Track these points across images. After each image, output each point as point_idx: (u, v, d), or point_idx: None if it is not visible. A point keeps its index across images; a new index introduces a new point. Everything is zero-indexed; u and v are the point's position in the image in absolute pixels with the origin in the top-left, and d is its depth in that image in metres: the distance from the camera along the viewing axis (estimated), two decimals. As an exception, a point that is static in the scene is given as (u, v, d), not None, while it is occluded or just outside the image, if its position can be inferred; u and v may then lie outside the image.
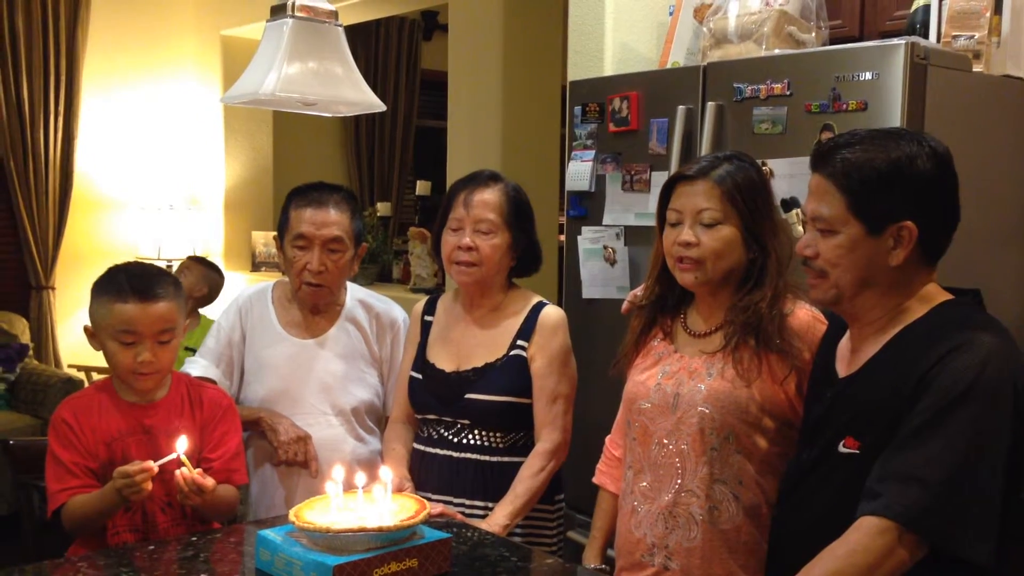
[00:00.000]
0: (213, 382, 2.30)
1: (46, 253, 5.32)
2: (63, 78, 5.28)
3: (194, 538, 1.90)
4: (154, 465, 1.84)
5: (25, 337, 5.06)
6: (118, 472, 1.85)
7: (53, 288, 5.34)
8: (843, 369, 1.63)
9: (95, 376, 4.86)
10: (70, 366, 5.25)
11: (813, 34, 2.50)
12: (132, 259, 5.30)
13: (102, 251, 5.44)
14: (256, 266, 5.72)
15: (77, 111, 5.35)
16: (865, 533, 1.43)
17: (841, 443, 1.54)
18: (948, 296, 1.57)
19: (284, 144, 6.11)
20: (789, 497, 1.66)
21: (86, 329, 2.06)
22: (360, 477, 1.74)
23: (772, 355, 1.75)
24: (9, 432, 4.30)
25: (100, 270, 2.08)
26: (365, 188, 6.87)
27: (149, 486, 1.85)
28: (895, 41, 2.11)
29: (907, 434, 1.44)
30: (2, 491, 4.32)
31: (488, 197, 2.17)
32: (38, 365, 5.02)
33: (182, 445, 1.86)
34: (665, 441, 1.81)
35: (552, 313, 2.22)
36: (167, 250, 5.43)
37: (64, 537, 2.03)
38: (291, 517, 1.67)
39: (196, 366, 2.35)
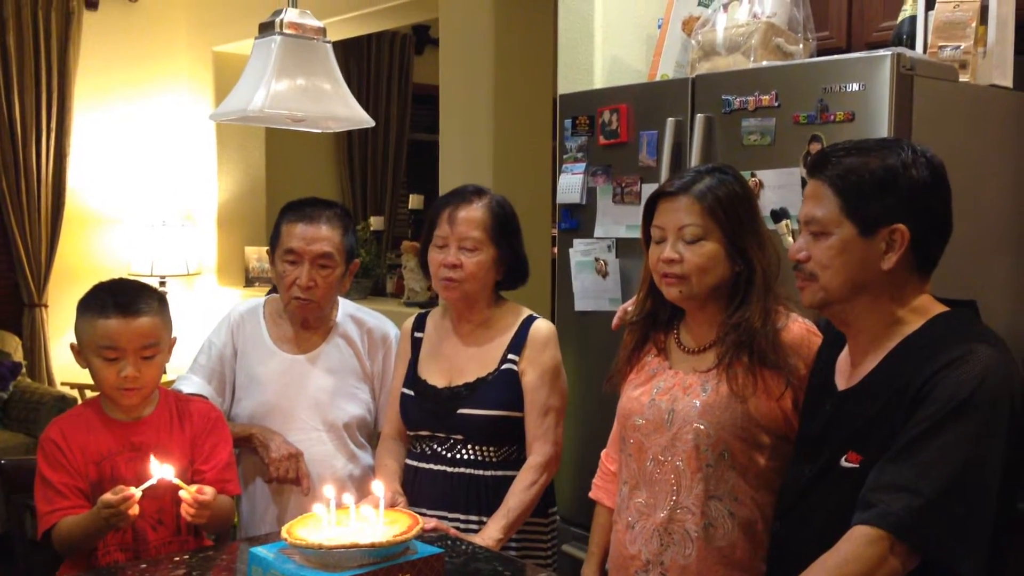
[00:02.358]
0: (206, 399, 2.30)
1: (38, 270, 5.31)
2: (55, 95, 5.28)
3: (186, 556, 1.89)
4: (136, 492, 1.83)
5: (18, 355, 5.05)
6: (101, 502, 1.83)
7: (46, 306, 5.33)
8: (842, 383, 1.63)
9: (88, 394, 4.84)
10: (63, 384, 5.23)
11: (800, 46, 2.51)
12: (125, 275, 5.31)
13: (95, 268, 5.42)
14: (249, 281, 5.72)
15: (69, 128, 5.35)
16: (857, 543, 1.43)
17: (843, 458, 1.54)
18: (944, 308, 1.57)
19: (277, 159, 6.12)
20: (790, 512, 1.66)
21: (72, 347, 2.07)
22: (351, 494, 1.74)
23: (767, 371, 1.74)
24: (1, 451, 4.29)
25: (92, 287, 2.09)
26: (358, 202, 6.87)
27: (135, 511, 1.84)
28: (882, 52, 2.12)
29: (902, 445, 1.43)
30: (-5, 510, 4.31)
31: (472, 214, 2.18)
32: (31, 383, 5.00)
33: (168, 472, 1.85)
34: (660, 457, 1.80)
35: (542, 327, 2.23)
36: (160, 266, 5.43)
37: (56, 557, 2.02)
38: (283, 534, 1.67)
39: (188, 383, 2.35)
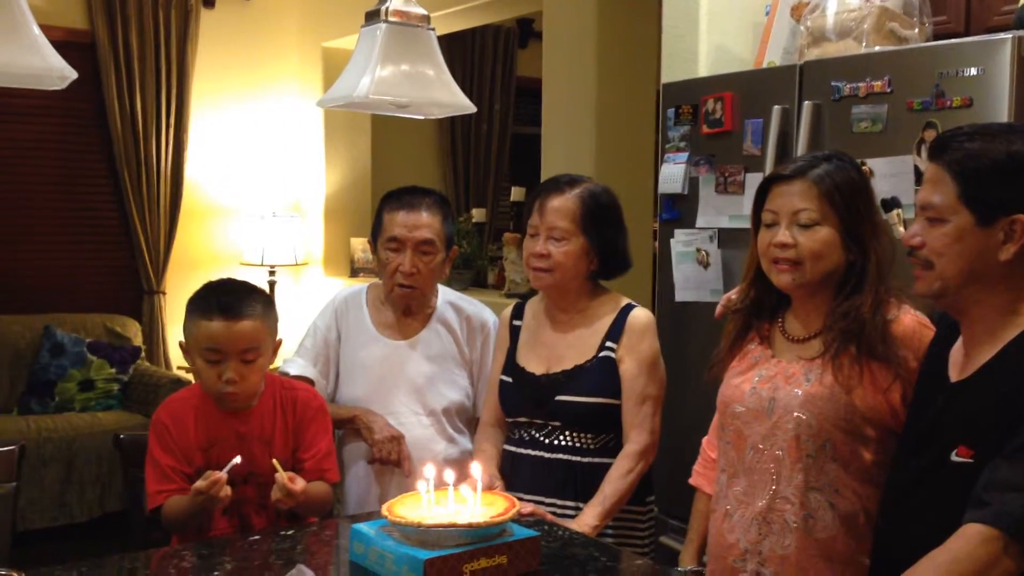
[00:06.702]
0: (311, 381, 2.36)
1: (157, 259, 5.53)
2: (174, 92, 5.49)
3: (291, 531, 1.95)
4: (223, 474, 1.89)
5: (137, 340, 5.27)
6: (193, 490, 1.90)
7: (164, 292, 5.55)
8: (955, 374, 1.57)
9: (202, 377, 5.00)
10: (179, 368, 5.44)
11: (916, 30, 2.43)
12: (237, 265, 5.49)
13: (209, 257, 5.64)
14: (355, 272, 5.84)
15: (187, 123, 5.56)
16: (969, 541, 1.39)
17: (953, 452, 1.49)
18: None
19: (382, 152, 6.23)
20: (897, 508, 1.61)
21: (181, 344, 2.11)
22: (450, 475, 1.76)
23: (875, 362, 1.70)
24: (121, 431, 4.47)
25: (208, 275, 2.14)
26: (461, 194, 6.94)
27: (227, 492, 1.89)
28: (1002, 35, 2.04)
29: (1020, 443, 1.38)
30: (117, 489, 4.51)
31: (561, 204, 2.18)
32: (149, 366, 5.22)
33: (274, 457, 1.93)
34: (760, 446, 1.78)
35: (640, 315, 2.22)
36: (269, 256, 5.59)
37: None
38: (384, 512, 1.71)
39: (294, 365, 2.42)
